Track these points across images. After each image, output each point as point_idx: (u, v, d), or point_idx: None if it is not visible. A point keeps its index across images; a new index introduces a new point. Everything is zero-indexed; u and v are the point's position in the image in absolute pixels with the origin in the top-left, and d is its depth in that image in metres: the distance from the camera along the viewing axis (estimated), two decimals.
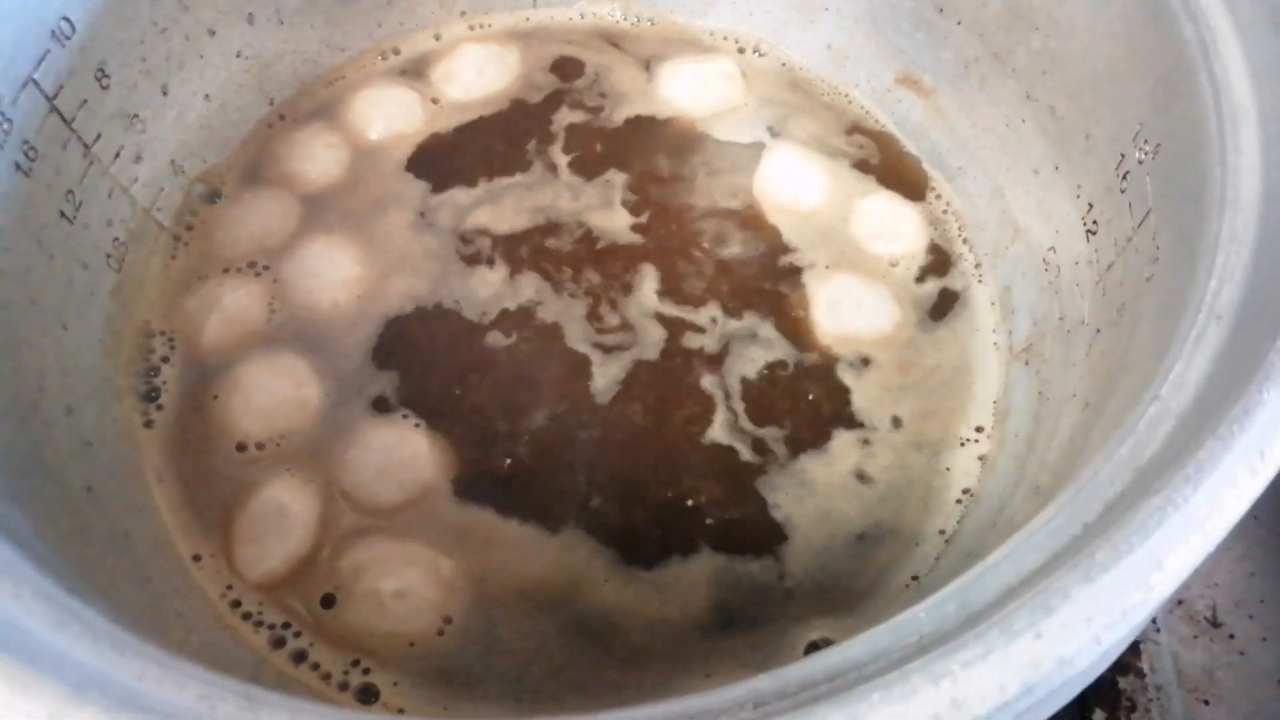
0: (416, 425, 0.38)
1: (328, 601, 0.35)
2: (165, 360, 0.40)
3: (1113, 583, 0.18)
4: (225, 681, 0.20)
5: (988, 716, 0.17)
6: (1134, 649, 0.42)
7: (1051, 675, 0.18)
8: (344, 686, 0.34)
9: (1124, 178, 0.34)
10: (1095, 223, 0.36)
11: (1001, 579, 0.20)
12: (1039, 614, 0.18)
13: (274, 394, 0.38)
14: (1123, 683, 0.42)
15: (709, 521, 0.37)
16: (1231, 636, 0.43)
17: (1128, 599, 0.18)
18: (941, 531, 0.37)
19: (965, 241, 0.44)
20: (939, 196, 0.46)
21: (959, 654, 0.18)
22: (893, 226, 0.44)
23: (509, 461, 0.38)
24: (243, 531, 0.36)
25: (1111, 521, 0.20)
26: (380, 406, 0.39)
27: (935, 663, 0.18)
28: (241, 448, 0.38)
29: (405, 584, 0.34)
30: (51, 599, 0.21)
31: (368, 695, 0.34)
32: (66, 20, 0.36)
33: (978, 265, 0.44)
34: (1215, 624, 0.43)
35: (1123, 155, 0.34)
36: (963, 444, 0.39)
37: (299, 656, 0.34)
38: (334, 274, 0.42)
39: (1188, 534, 0.19)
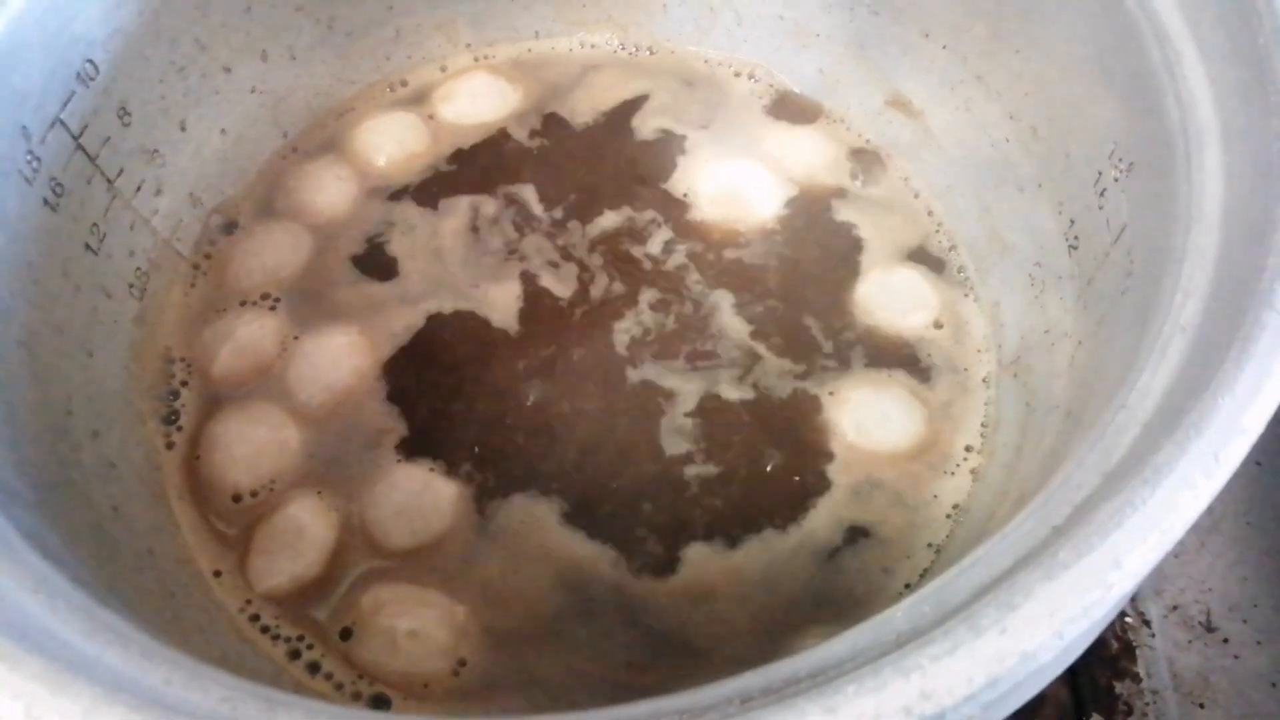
0: (431, 469, 0.39)
1: (345, 635, 0.36)
2: (185, 384, 0.42)
3: (1074, 580, 0.20)
4: (246, 685, 0.21)
5: (955, 707, 0.18)
6: (1130, 654, 0.43)
7: (1016, 668, 0.19)
8: (357, 696, 0.35)
9: (1101, 194, 0.35)
10: (1076, 238, 0.37)
11: (974, 580, 0.21)
12: (1004, 610, 0.19)
13: (255, 441, 0.39)
14: (1119, 687, 0.42)
15: (717, 546, 0.38)
16: (1226, 640, 0.43)
17: (1088, 596, 0.19)
18: (930, 544, 0.38)
19: (956, 258, 0.46)
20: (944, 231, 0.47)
21: (928, 649, 0.19)
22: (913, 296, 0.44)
23: (529, 503, 0.39)
24: (260, 543, 0.37)
25: (1077, 523, 0.21)
26: (401, 449, 0.40)
27: (906, 657, 0.19)
28: (237, 498, 0.39)
29: (419, 625, 0.35)
30: (84, 610, 0.23)
31: (380, 704, 0.35)
32: (90, 63, 0.37)
33: (967, 281, 0.45)
34: (1210, 628, 0.44)
35: (1100, 173, 0.35)
36: (952, 472, 0.40)
37: (314, 668, 0.36)
38: (338, 367, 0.42)
39: (1145, 534, 0.20)
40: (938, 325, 0.43)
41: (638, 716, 0.21)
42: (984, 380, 0.42)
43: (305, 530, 0.37)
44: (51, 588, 0.23)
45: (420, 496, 0.38)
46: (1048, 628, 0.19)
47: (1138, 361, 0.25)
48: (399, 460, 0.40)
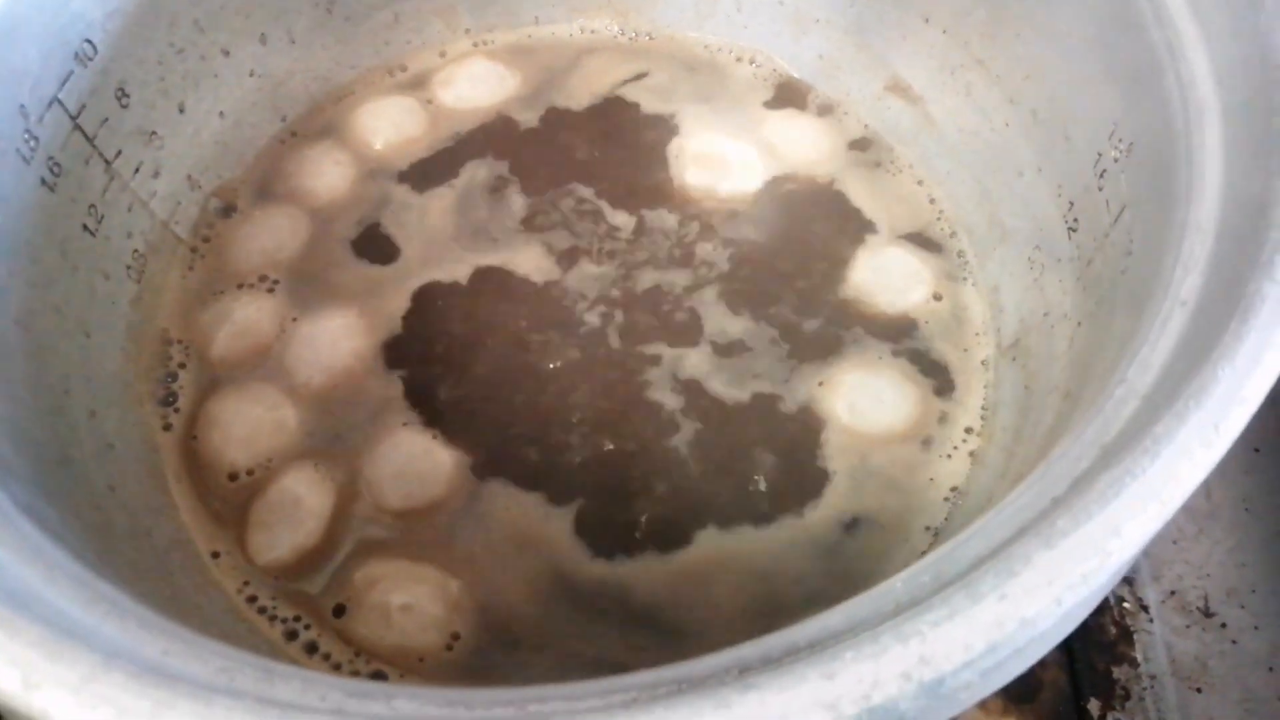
0: (434, 436, 0.39)
1: (339, 611, 0.36)
2: (182, 366, 0.42)
3: (1073, 548, 0.20)
4: (244, 656, 0.21)
5: (954, 673, 0.18)
6: (1128, 639, 0.43)
7: (1015, 635, 0.19)
8: (354, 675, 0.35)
9: (1101, 176, 0.35)
10: (1076, 220, 0.37)
11: (973, 550, 0.21)
12: (1003, 578, 0.19)
13: (252, 420, 0.40)
14: (1117, 672, 0.42)
15: (712, 531, 0.38)
16: (1224, 626, 0.43)
17: (1087, 563, 0.19)
18: (928, 528, 0.38)
19: (956, 243, 0.46)
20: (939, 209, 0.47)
21: (927, 615, 0.19)
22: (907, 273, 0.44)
23: (528, 479, 0.39)
24: (258, 516, 0.37)
25: (1076, 494, 0.21)
26: (401, 415, 0.40)
27: (905, 624, 0.19)
28: (233, 477, 0.39)
29: (413, 599, 0.35)
30: (83, 582, 0.22)
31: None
32: (89, 42, 0.37)
33: (967, 265, 0.45)
34: (1208, 614, 0.44)
35: (1099, 154, 0.35)
36: (950, 455, 0.40)
37: (311, 648, 0.35)
38: (336, 348, 0.42)
39: (1145, 503, 0.20)
40: (936, 297, 0.44)
41: (635, 686, 0.21)
42: (983, 363, 0.42)
43: (302, 501, 0.37)
44: (50, 559, 0.23)
45: (420, 460, 0.38)
46: (1047, 595, 0.19)
47: (1137, 337, 0.25)
48: (404, 424, 0.40)
